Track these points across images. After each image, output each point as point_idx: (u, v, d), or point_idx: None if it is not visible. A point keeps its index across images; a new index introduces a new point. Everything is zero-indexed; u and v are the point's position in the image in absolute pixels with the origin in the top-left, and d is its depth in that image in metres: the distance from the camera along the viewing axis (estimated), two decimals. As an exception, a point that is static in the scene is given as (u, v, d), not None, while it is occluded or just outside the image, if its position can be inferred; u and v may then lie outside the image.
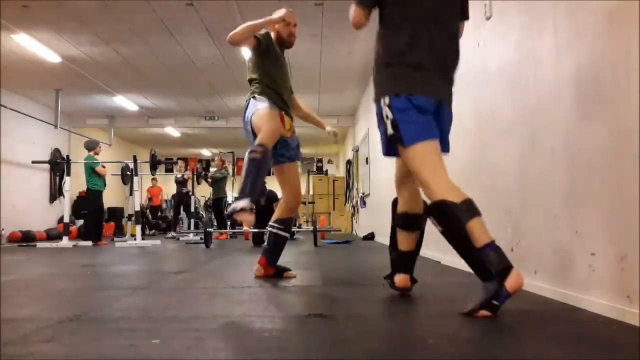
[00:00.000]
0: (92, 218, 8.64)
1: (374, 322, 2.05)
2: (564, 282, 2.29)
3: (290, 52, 8.54)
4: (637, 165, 1.77)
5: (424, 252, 4.98)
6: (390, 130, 2.24)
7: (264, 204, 8.11)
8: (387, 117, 2.25)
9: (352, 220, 13.66)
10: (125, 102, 11.93)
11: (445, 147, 2.33)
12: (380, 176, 8.33)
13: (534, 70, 2.62)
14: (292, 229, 8.91)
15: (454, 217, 2.12)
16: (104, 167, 8.90)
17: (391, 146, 2.32)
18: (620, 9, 1.93)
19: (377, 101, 2.32)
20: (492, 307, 1.99)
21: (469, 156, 3.68)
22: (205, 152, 19.58)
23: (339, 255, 5.76)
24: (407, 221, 2.57)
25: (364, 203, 11.08)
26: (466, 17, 2.53)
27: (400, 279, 2.60)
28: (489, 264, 2.00)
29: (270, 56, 3.45)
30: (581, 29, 2.20)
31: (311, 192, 13.25)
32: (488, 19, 3.23)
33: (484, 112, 3.37)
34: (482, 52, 3.36)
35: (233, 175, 13.22)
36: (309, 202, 12.64)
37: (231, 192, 11.84)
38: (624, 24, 1.89)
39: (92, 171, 8.61)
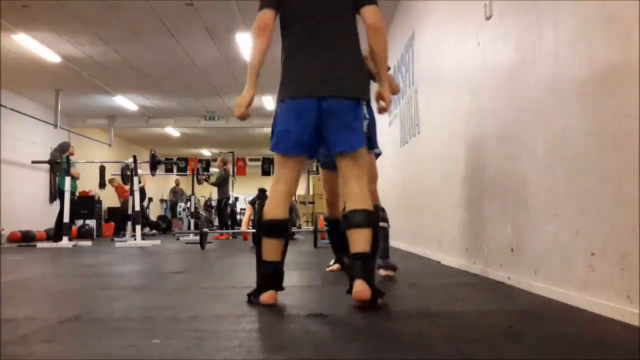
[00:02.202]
0: (58, 218, 8.50)
1: (374, 322, 2.05)
2: (564, 282, 2.29)
3: (290, 52, 8.58)
4: (637, 165, 1.77)
5: (425, 252, 4.99)
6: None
7: None
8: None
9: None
10: (125, 102, 11.94)
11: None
12: (380, 176, 8.32)
13: (534, 70, 2.62)
14: (292, 230, 8.96)
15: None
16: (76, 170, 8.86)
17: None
18: (621, 9, 1.93)
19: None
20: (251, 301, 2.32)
21: (468, 156, 3.68)
22: (205, 152, 19.58)
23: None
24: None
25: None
26: (365, 3, 2.39)
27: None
28: (259, 273, 2.37)
29: None
30: (581, 28, 2.20)
31: (311, 192, 13.25)
32: (488, 19, 3.23)
33: (484, 112, 3.37)
34: (482, 52, 3.36)
35: (233, 175, 13.20)
36: (309, 202, 12.63)
37: (231, 193, 11.81)
38: (624, 24, 1.89)
39: (65, 172, 8.48)
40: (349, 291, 2.23)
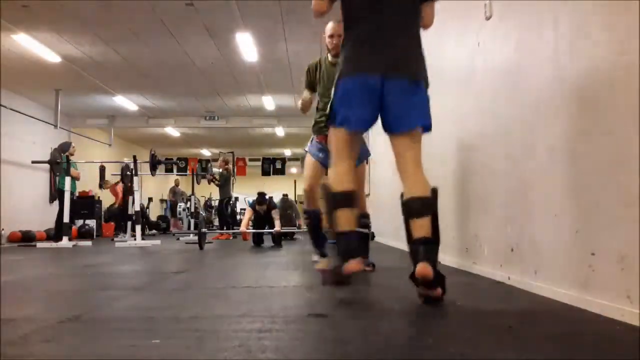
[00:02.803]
0: (58, 218, 8.51)
1: (374, 322, 2.05)
2: (564, 282, 2.29)
3: (291, 52, 8.61)
4: (637, 165, 1.77)
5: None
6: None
7: (263, 214, 8.11)
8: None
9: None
10: (125, 102, 11.94)
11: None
12: (380, 176, 8.33)
13: (533, 70, 2.62)
14: (292, 230, 8.96)
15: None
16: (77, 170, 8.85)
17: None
18: (621, 9, 1.93)
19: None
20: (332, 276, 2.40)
21: (469, 156, 3.68)
22: (205, 152, 19.58)
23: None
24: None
25: (364, 203, 11.05)
26: None
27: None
28: (340, 245, 2.38)
29: (320, 81, 3.82)
30: (581, 28, 2.20)
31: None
32: (488, 19, 3.23)
33: (484, 112, 3.37)
34: (482, 52, 3.36)
35: (233, 175, 13.20)
36: (309, 202, 12.60)
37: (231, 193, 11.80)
38: (624, 24, 1.89)
39: (65, 172, 8.49)
40: (412, 276, 2.28)
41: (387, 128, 2.47)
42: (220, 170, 10.83)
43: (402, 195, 2.44)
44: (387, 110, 2.39)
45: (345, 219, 2.38)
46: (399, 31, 2.44)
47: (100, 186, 11.54)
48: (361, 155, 3.50)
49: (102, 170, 11.58)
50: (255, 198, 8.09)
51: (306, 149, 3.95)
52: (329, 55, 3.78)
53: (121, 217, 10.80)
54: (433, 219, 2.36)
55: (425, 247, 2.29)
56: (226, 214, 10.52)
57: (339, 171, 2.44)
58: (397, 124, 2.41)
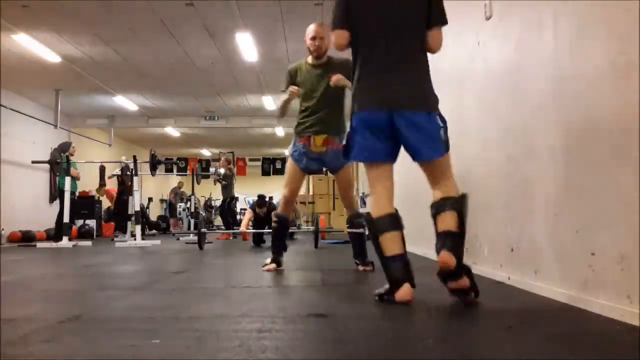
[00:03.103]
0: (58, 218, 8.52)
1: (374, 322, 2.05)
2: (564, 282, 2.29)
3: (291, 52, 8.61)
4: (637, 165, 1.77)
5: (425, 252, 4.99)
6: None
7: (263, 216, 8.13)
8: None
9: (352, 220, 13.62)
10: (125, 102, 11.94)
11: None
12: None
13: (534, 70, 2.62)
14: (292, 230, 8.96)
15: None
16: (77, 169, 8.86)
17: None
18: (621, 9, 1.93)
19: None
20: (382, 299, 2.36)
21: (469, 156, 3.68)
22: (205, 152, 19.59)
23: (339, 255, 5.76)
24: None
25: (364, 203, 11.08)
26: (438, 22, 2.51)
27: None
28: (387, 271, 2.38)
29: (301, 84, 3.72)
30: (581, 28, 2.20)
31: (311, 192, 13.26)
32: (488, 19, 3.23)
33: (484, 112, 3.37)
34: (482, 52, 3.36)
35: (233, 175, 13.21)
36: (309, 202, 12.63)
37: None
38: (624, 24, 1.89)
39: (65, 172, 8.49)
40: (439, 272, 2.34)
41: (411, 156, 2.55)
42: (223, 170, 10.86)
43: (432, 205, 2.53)
44: (403, 142, 2.48)
45: (390, 243, 2.41)
46: (408, 62, 2.49)
47: (98, 191, 11.54)
48: (334, 168, 3.77)
49: (102, 170, 11.57)
50: (255, 199, 8.13)
51: (288, 152, 3.87)
52: (309, 57, 3.75)
53: (120, 218, 10.77)
54: (460, 217, 2.41)
55: (448, 239, 2.35)
56: (229, 213, 10.56)
57: (378, 199, 2.52)
58: (416, 155, 2.50)
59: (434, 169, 2.50)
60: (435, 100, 2.53)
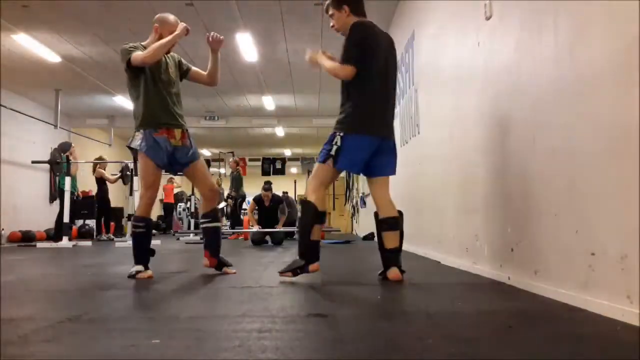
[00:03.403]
0: (58, 218, 8.54)
1: (374, 322, 2.05)
2: (564, 282, 2.29)
3: (291, 52, 8.61)
4: (637, 165, 1.77)
5: (425, 252, 4.99)
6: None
7: (268, 206, 8.21)
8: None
9: (352, 220, 13.66)
10: (126, 102, 11.92)
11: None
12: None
13: (534, 70, 2.62)
14: (292, 229, 9.00)
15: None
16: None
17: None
18: (621, 9, 1.93)
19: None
20: (296, 273, 3.11)
21: (469, 156, 3.68)
22: (205, 152, 19.58)
23: (339, 255, 5.76)
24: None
25: (364, 203, 11.08)
26: None
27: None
28: (307, 250, 3.13)
29: (148, 71, 3.47)
30: (581, 28, 2.20)
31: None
32: (488, 19, 3.23)
33: (484, 112, 3.37)
34: (482, 52, 3.36)
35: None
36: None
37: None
38: (624, 24, 1.89)
39: (65, 172, 8.51)
40: (382, 273, 3.18)
41: (371, 172, 3.27)
42: (231, 170, 11.05)
43: (376, 215, 3.27)
44: (377, 161, 3.20)
45: (317, 231, 3.13)
46: (393, 102, 3.32)
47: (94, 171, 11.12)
48: (192, 158, 3.59)
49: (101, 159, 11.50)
50: (255, 198, 8.24)
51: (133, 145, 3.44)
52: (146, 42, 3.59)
53: (105, 217, 10.62)
54: (400, 233, 3.20)
55: (395, 255, 3.15)
56: (239, 213, 10.66)
57: (321, 196, 3.16)
58: (382, 172, 3.26)
59: (386, 186, 3.29)
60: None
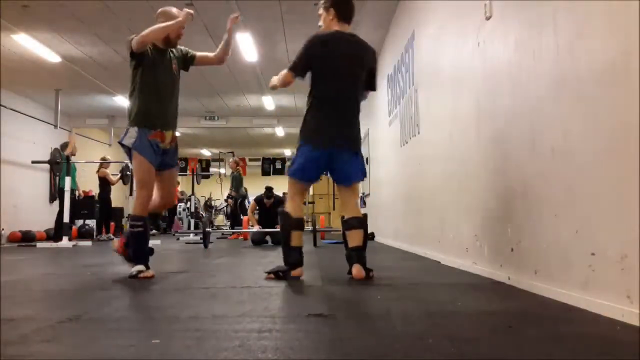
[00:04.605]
0: (58, 218, 8.55)
1: (374, 322, 2.05)
2: (564, 282, 2.29)
3: (291, 52, 8.60)
4: (637, 165, 1.77)
5: (425, 252, 4.99)
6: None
7: (268, 206, 8.22)
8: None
9: (352, 220, 13.62)
10: (126, 102, 11.90)
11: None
12: (380, 176, 8.33)
13: (534, 70, 2.62)
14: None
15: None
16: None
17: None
18: (621, 9, 1.93)
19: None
20: (278, 276, 3.23)
21: (468, 156, 3.68)
22: (205, 152, 19.58)
23: (339, 255, 5.75)
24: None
25: (364, 203, 11.08)
26: (372, 89, 3.50)
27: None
28: (289, 256, 3.26)
29: (151, 66, 3.43)
30: (581, 28, 2.20)
31: (311, 192, 13.27)
32: (488, 19, 3.23)
33: (484, 112, 3.37)
34: (482, 52, 3.36)
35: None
36: (309, 202, 12.63)
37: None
38: (624, 24, 1.89)
39: (65, 172, 8.53)
40: (350, 272, 3.28)
41: (337, 181, 3.43)
42: (232, 170, 11.09)
43: (342, 217, 3.45)
44: (336, 171, 3.36)
45: (297, 238, 3.27)
46: (351, 111, 3.35)
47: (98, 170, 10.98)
48: (171, 163, 3.66)
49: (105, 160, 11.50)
50: (262, 193, 8.30)
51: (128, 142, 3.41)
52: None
53: (105, 216, 10.63)
54: (364, 232, 3.35)
55: (358, 253, 3.29)
56: (239, 213, 10.67)
57: (296, 205, 3.35)
58: (344, 181, 3.39)
59: (352, 194, 3.44)
60: (360, 144, 3.43)
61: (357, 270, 3.20)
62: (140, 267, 3.39)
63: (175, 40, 3.54)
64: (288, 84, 3.39)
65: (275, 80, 3.47)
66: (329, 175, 3.53)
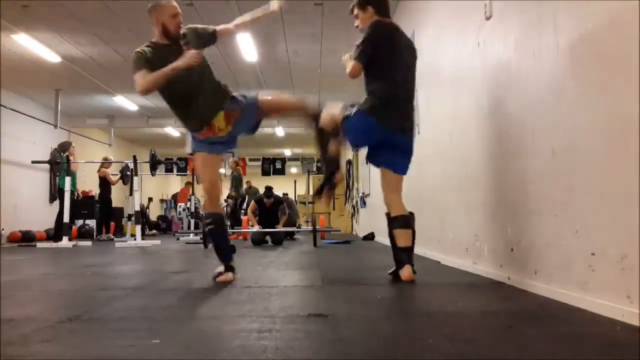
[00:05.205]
0: (58, 218, 8.57)
1: (374, 322, 2.05)
2: (564, 282, 2.29)
3: (291, 52, 8.61)
4: (637, 165, 1.77)
5: (425, 252, 4.99)
6: None
7: (269, 206, 8.23)
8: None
9: (352, 220, 13.66)
10: (125, 102, 11.93)
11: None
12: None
13: (534, 69, 2.62)
14: (293, 229, 9.02)
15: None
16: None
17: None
18: (621, 9, 1.93)
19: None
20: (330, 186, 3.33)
21: (468, 156, 3.68)
22: (205, 152, 19.57)
23: (339, 255, 5.76)
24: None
25: (364, 203, 11.08)
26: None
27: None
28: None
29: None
30: (581, 28, 2.20)
31: (311, 192, 13.26)
32: (488, 19, 3.23)
33: (484, 112, 3.37)
34: (482, 52, 3.36)
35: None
36: (309, 202, 12.63)
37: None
38: (624, 24, 1.89)
39: (65, 172, 8.53)
40: (393, 272, 3.18)
41: (383, 164, 3.29)
42: (232, 170, 11.11)
43: (388, 214, 3.29)
44: (390, 154, 3.24)
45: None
46: (412, 99, 3.32)
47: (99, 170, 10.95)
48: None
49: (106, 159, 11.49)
50: (262, 193, 8.31)
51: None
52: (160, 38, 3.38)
53: (105, 216, 10.64)
54: (413, 233, 3.18)
55: (408, 253, 3.11)
56: (239, 213, 10.69)
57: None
58: (395, 168, 3.27)
59: (400, 183, 3.33)
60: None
61: (407, 271, 3.05)
62: (221, 268, 3.21)
63: (175, 32, 3.42)
64: (351, 75, 3.20)
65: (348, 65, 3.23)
66: (368, 163, 3.48)
